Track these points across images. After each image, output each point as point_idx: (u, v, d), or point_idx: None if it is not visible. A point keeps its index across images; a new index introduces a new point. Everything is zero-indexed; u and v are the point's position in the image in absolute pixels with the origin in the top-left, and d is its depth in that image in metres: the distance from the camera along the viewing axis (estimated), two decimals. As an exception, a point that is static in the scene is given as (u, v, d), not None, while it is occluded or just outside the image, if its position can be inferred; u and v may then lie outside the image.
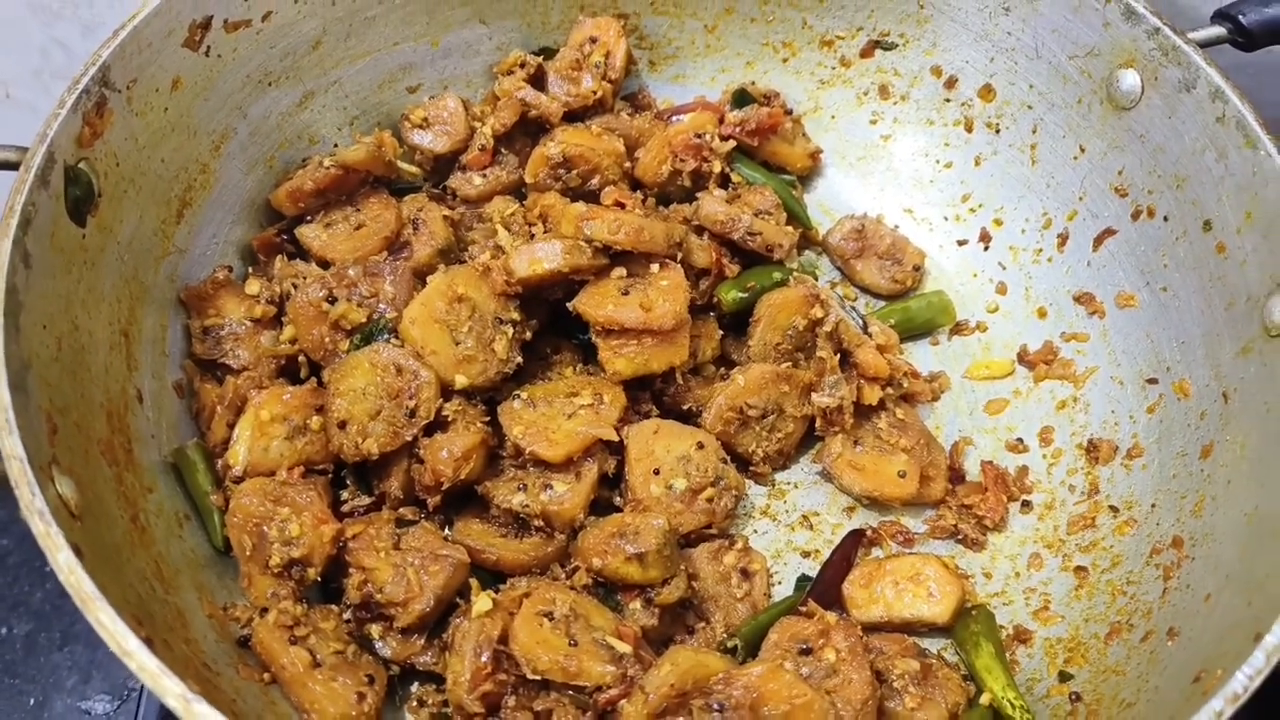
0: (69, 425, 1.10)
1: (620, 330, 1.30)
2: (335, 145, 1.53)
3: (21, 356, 1.04)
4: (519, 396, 1.30)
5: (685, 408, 1.38)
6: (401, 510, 1.28)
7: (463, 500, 1.31)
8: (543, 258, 1.28)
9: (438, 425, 1.27)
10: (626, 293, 1.30)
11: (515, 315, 1.31)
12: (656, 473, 1.28)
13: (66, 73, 1.19)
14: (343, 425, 1.25)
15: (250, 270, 1.43)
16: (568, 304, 1.32)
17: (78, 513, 1.01)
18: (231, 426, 1.27)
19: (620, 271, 1.32)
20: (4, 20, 1.61)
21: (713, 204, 1.46)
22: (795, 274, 1.46)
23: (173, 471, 1.26)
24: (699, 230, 1.47)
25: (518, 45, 1.62)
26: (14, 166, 1.13)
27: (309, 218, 1.44)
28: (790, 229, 1.51)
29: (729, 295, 1.41)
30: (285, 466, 1.25)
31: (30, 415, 1.02)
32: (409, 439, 1.25)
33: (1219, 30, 1.39)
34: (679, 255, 1.37)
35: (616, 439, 1.28)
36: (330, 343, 1.33)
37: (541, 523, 1.25)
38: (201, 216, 1.39)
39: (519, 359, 1.31)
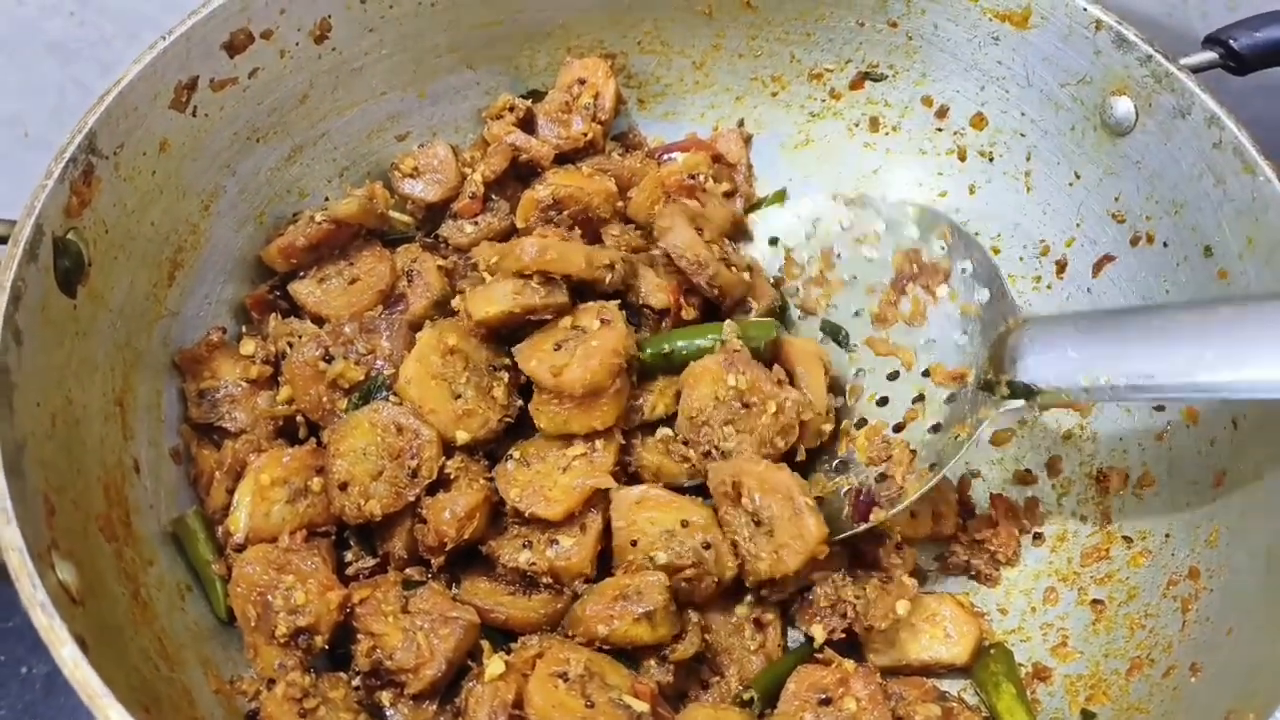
0: (66, 504, 1.07)
1: (542, 387, 1.25)
2: (326, 198, 1.51)
3: (16, 438, 1.02)
4: (512, 457, 1.27)
5: None
6: (407, 571, 1.26)
7: (468, 557, 1.28)
8: (495, 298, 1.27)
9: (440, 484, 1.25)
10: (559, 347, 1.25)
11: (507, 360, 1.29)
12: (634, 543, 1.22)
13: (84, 112, 1.19)
14: (344, 487, 1.23)
15: (244, 330, 1.41)
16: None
17: (79, 598, 0.99)
18: (231, 492, 1.25)
19: (568, 321, 1.28)
20: (22, 60, 1.62)
21: (685, 234, 1.40)
22: (725, 340, 1.32)
23: (173, 541, 1.24)
24: (668, 261, 1.41)
25: (505, 89, 1.61)
26: (1, 240, 1.11)
27: (302, 274, 1.42)
28: (766, 286, 1.47)
29: (645, 352, 1.32)
30: (288, 531, 1.23)
31: (28, 500, 0.99)
32: (411, 499, 1.23)
33: (1211, 55, 1.39)
34: (637, 294, 1.35)
35: (614, 485, 1.24)
36: (328, 402, 1.30)
37: (550, 579, 1.22)
38: (193, 277, 1.37)
39: (520, 402, 1.29)
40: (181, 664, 1.13)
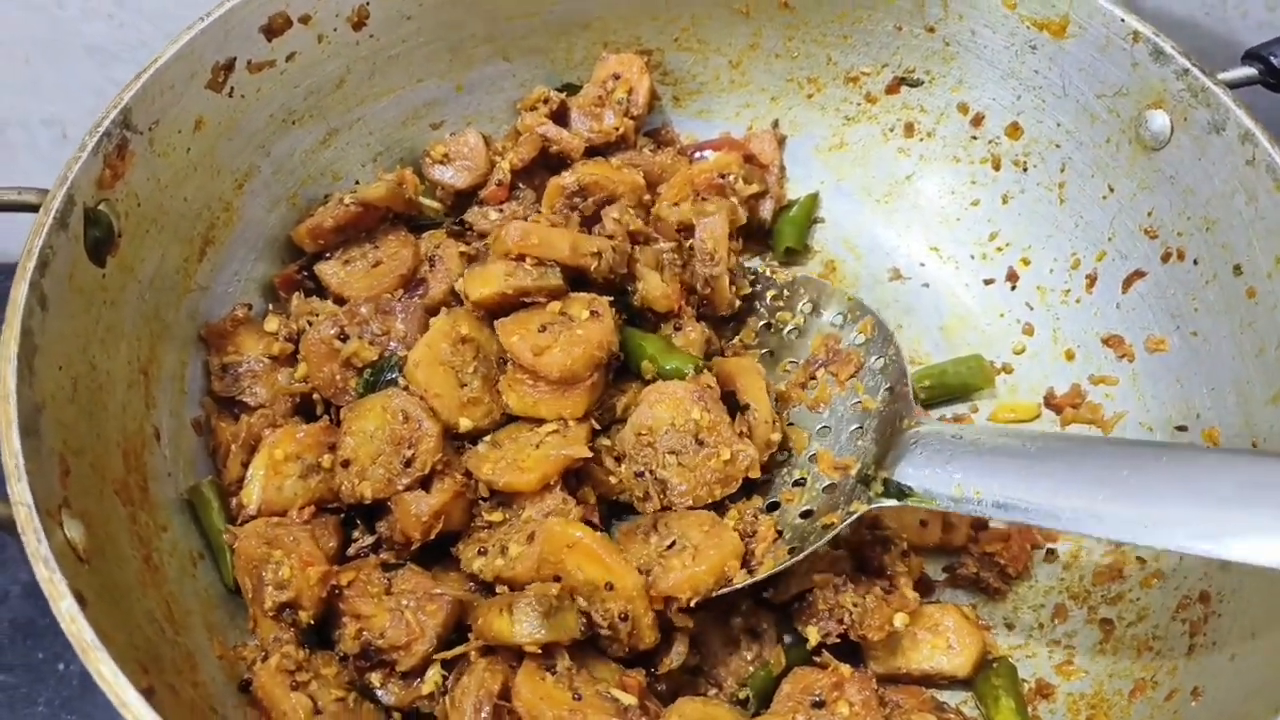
0: (83, 466, 1.10)
1: (519, 363, 1.25)
2: (357, 182, 1.54)
3: (34, 399, 1.05)
4: (484, 441, 1.27)
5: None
6: (383, 556, 1.27)
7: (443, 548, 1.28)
8: (489, 279, 1.28)
9: (429, 477, 1.25)
10: (544, 329, 1.26)
11: None
12: (556, 579, 1.17)
13: None
14: (346, 464, 1.25)
15: (270, 307, 1.44)
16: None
17: (86, 556, 1.02)
18: (246, 465, 1.28)
19: (557, 307, 1.28)
20: (62, 63, 1.65)
21: (722, 229, 1.41)
22: (699, 364, 1.33)
23: (188, 509, 1.27)
24: (676, 259, 1.41)
25: (541, 82, 1.63)
26: (35, 209, 1.14)
27: (328, 255, 1.45)
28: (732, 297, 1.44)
29: (642, 362, 1.33)
30: (298, 505, 1.25)
31: (42, 459, 1.02)
32: (401, 487, 1.23)
33: (1250, 71, 1.36)
34: (639, 295, 1.35)
35: (590, 455, 1.23)
36: (341, 380, 1.33)
37: (503, 587, 1.21)
38: (224, 254, 1.41)
39: None
40: (187, 628, 1.16)
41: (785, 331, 1.45)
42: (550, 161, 1.57)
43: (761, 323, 1.48)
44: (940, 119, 1.61)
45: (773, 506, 1.29)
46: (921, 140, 1.64)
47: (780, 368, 1.42)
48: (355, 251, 1.44)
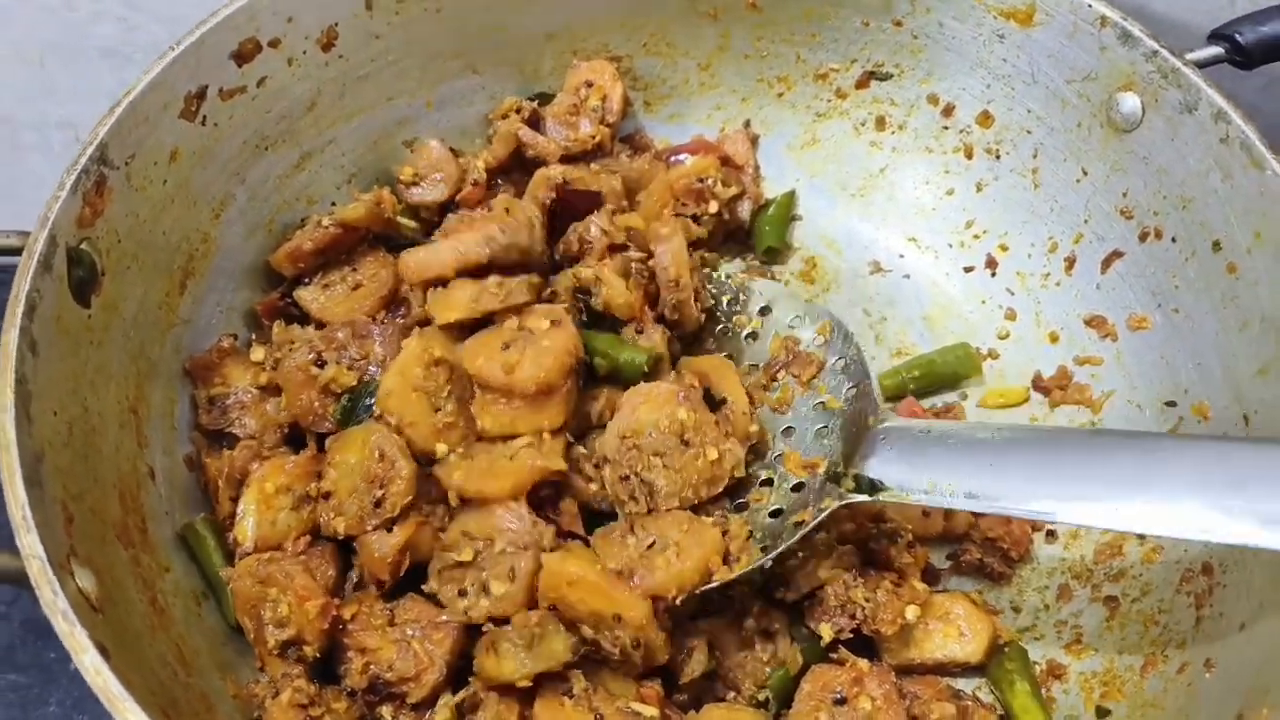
0: (84, 512, 1.08)
1: (489, 386, 1.23)
2: (333, 204, 1.52)
3: (34, 448, 1.02)
4: (455, 453, 1.24)
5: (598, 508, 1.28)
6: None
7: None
8: (455, 304, 1.28)
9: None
10: (507, 346, 1.24)
11: None
12: (551, 608, 1.17)
13: None
14: (326, 497, 1.23)
15: (254, 336, 1.42)
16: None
17: (99, 605, 1.00)
18: (235, 500, 1.25)
19: (514, 323, 1.27)
20: (74, 65, 1.63)
21: (680, 250, 1.39)
22: (652, 355, 1.32)
23: (187, 548, 1.25)
24: (642, 270, 1.39)
25: (512, 93, 1.61)
26: (17, 252, 1.12)
27: (307, 279, 1.43)
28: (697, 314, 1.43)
29: (596, 358, 1.31)
30: (293, 537, 1.23)
31: (46, 508, 1.00)
32: (369, 529, 1.21)
33: (1216, 50, 1.39)
34: (601, 299, 1.34)
35: (565, 467, 1.22)
36: (320, 407, 1.30)
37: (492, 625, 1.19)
38: (204, 285, 1.38)
39: None
40: (199, 670, 1.14)
41: (743, 336, 1.44)
42: (527, 165, 1.56)
43: (718, 327, 1.47)
44: (911, 111, 1.63)
45: (740, 507, 1.28)
46: (893, 133, 1.65)
47: (740, 372, 1.40)
48: (335, 275, 1.42)
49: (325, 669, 1.21)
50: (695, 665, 1.20)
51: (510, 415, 1.23)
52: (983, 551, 1.37)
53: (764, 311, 1.44)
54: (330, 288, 1.43)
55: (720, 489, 1.25)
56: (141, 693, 0.93)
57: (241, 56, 1.35)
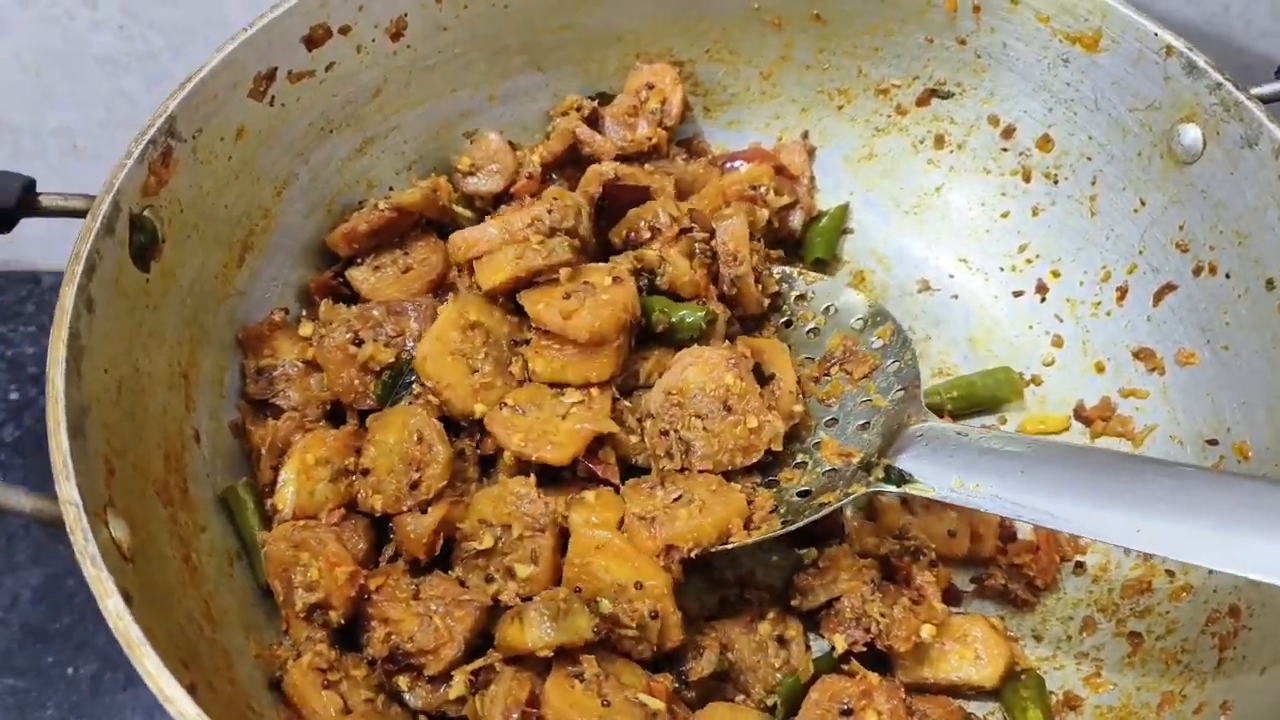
0: (126, 467, 1.13)
1: (547, 331, 1.28)
2: (391, 189, 1.56)
3: (81, 401, 1.07)
4: (506, 404, 1.28)
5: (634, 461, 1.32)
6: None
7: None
8: (500, 265, 1.30)
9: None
10: (569, 296, 1.28)
11: (529, 335, 1.32)
12: (578, 591, 1.19)
13: (131, 123, 1.23)
14: (365, 473, 1.27)
15: (305, 313, 1.46)
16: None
17: (130, 555, 1.04)
18: (276, 469, 1.30)
19: (579, 276, 1.31)
20: (73, 73, 1.66)
21: (741, 229, 1.42)
22: (711, 313, 1.37)
23: (226, 510, 1.29)
24: (706, 250, 1.43)
25: (575, 92, 1.64)
26: (82, 214, 1.17)
27: (359, 260, 1.47)
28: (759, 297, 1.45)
29: (653, 317, 1.35)
30: (329, 508, 1.27)
31: (88, 459, 1.05)
32: (404, 509, 1.25)
33: (1283, 85, 1.36)
34: (665, 277, 1.37)
35: (616, 429, 1.26)
36: (360, 385, 1.34)
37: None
38: (262, 259, 1.43)
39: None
40: (225, 627, 1.18)
41: (805, 330, 1.47)
42: (581, 162, 1.58)
43: (782, 319, 1.49)
44: (971, 131, 1.62)
45: (770, 484, 1.31)
46: (951, 152, 1.65)
47: (795, 362, 1.43)
48: (386, 257, 1.46)
49: (349, 639, 1.24)
50: (706, 664, 1.21)
51: (562, 362, 1.28)
52: (1008, 577, 1.36)
53: (829, 311, 1.46)
54: (381, 269, 1.47)
55: (754, 460, 1.28)
56: (162, 642, 0.97)
57: (312, 41, 1.40)
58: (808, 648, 1.29)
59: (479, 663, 1.18)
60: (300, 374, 1.38)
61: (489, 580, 1.24)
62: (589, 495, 1.24)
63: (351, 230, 1.46)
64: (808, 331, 1.46)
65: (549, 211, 1.34)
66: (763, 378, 1.33)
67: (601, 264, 1.35)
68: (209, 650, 1.12)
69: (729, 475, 1.29)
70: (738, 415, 1.28)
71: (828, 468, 1.30)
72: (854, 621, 1.24)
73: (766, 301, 1.46)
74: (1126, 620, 1.32)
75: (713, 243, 1.43)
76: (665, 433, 1.28)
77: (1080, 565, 1.38)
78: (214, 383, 1.35)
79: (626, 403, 1.33)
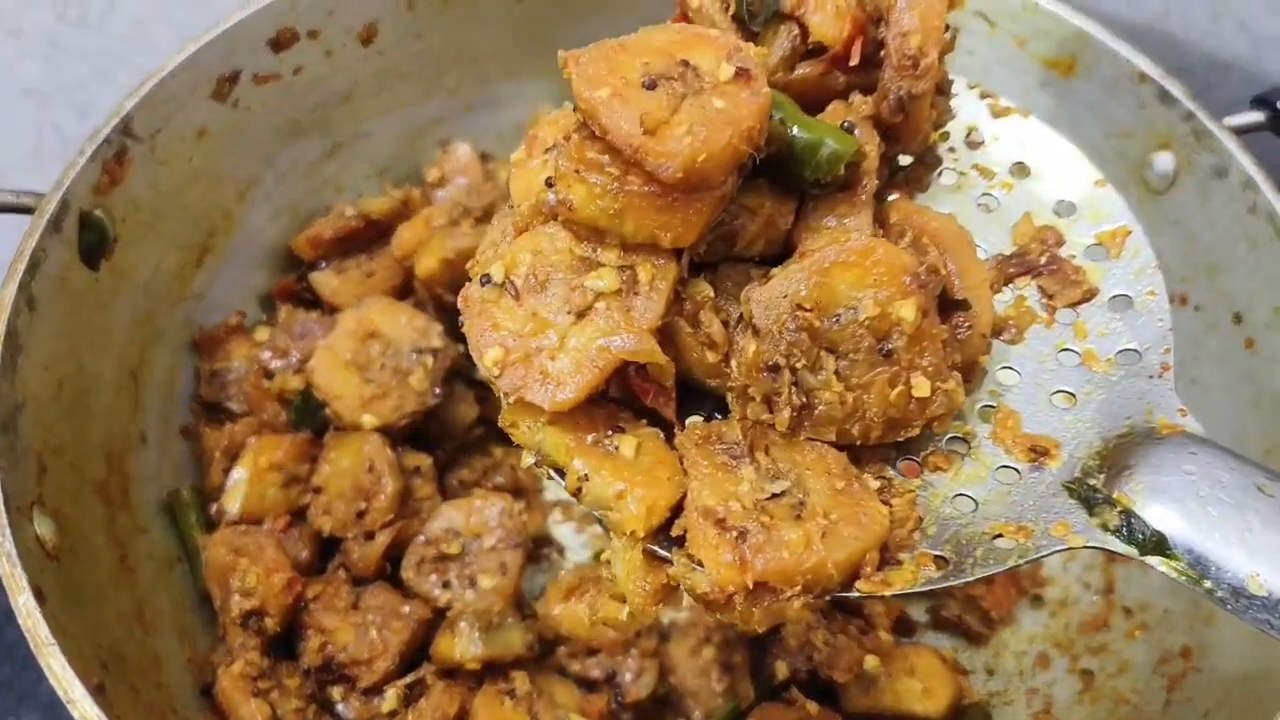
0: (62, 465, 1.12)
1: (603, 141, 0.76)
2: (360, 195, 1.55)
3: (15, 398, 1.07)
4: (489, 279, 0.80)
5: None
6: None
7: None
8: (434, 247, 1.32)
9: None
10: (654, 84, 0.75)
11: (436, 343, 1.31)
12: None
13: (61, 156, 1.21)
14: (318, 491, 1.27)
15: (265, 318, 1.45)
16: None
17: (55, 553, 1.03)
18: (228, 472, 1.29)
19: (676, 54, 0.78)
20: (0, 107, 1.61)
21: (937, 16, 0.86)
22: (859, 150, 0.82)
23: (169, 514, 1.28)
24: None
25: (551, 103, 1.63)
26: (31, 211, 1.16)
27: (324, 264, 1.46)
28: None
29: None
30: (277, 514, 1.26)
31: (17, 455, 1.04)
32: (349, 536, 1.26)
33: (1257, 116, 1.33)
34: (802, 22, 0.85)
35: (663, 362, 0.78)
36: (283, 416, 1.34)
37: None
38: (221, 262, 1.42)
39: (439, 392, 1.29)
40: (158, 630, 1.17)
41: (975, 196, 0.95)
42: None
43: (938, 171, 0.97)
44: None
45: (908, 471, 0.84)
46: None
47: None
48: (350, 261, 1.46)
49: (287, 648, 1.23)
50: (642, 686, 1.19)
51: (621, 201, 0.76)
52: (962, 608, 1.34)
53: (1019, 170, 0.97)
54: (345, 273, 1.46)
55: (902, 438, 0.82)
56: (80, 642, 0.96)
57: (279, 44, 1.39)
58: (753, 675, 1.26)
59: (412, 677, 1.17)
60: (253, 378, 1.37)
61: (445, 586, 1.23)
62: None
63: (317, 235, 1.45)
64: (980, 198, 0.95)
65: (468, 196, 1.34)
66: (948, 304, 0.83)
67: (723, 36, 0.80)
68: (137, 652, 1.11)
69: (855, 450, 0.82)
70: (900, 369, 0.79)
71: (1003, 463, 0.82)
72: (797, 649, 1.22)
73: (933, 135, 0.96)
74: (1080, 657, 1.29)
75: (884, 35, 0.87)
76: (774, 367, 0.78)
77: (1038, 598, 1.35)
78: (165, 384, 1.34)
79: (707, 287, 0.82)
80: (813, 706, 1.18)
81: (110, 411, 1.24)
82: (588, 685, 1.19)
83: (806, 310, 0.78)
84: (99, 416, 1.22)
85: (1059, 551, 0.77)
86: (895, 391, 0.79)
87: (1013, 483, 0.82)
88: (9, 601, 0.94)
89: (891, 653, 1.23)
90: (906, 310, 0.77)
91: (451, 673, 1.17)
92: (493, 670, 1.15)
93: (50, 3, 1.52)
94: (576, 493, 0.78)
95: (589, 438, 0.79)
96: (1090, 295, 0.88)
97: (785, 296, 0.78)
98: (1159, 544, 0.75)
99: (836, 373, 0.79)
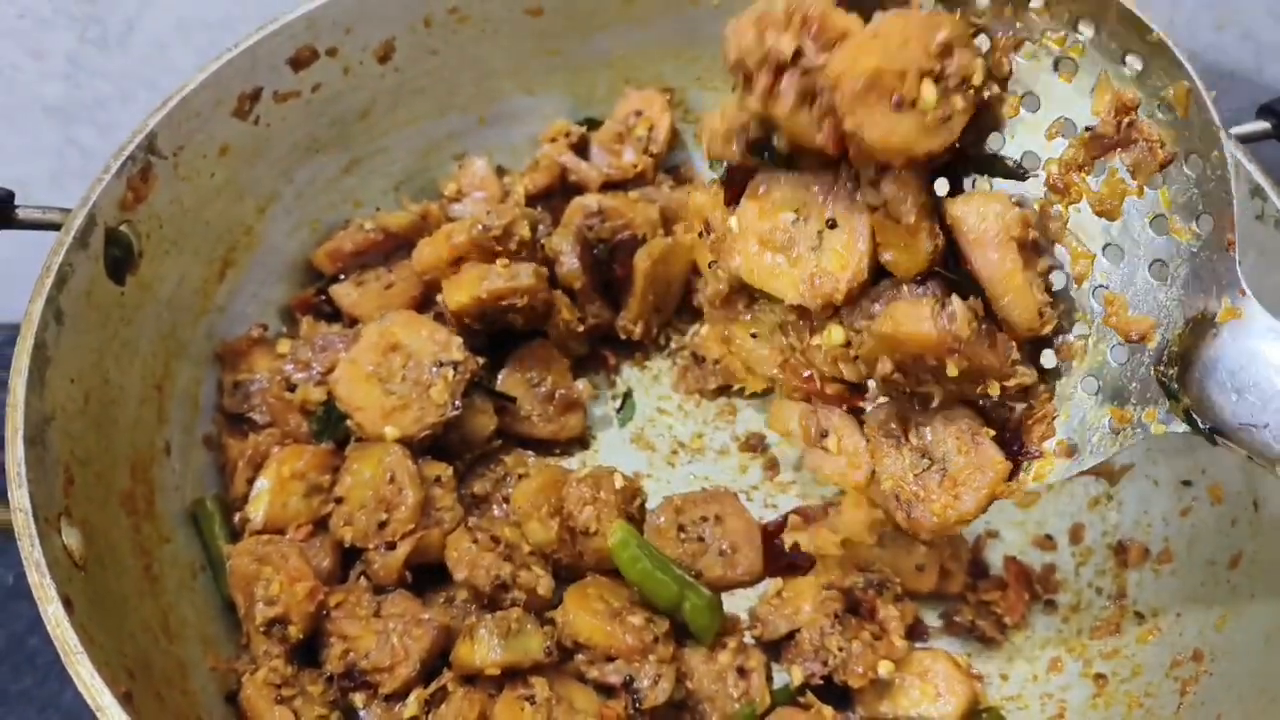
0: (88, 476, 1.14)
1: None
2: (378, 209, 1.57)
3: (44, 410, 1.09)
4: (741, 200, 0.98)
5: None
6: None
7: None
8: (464, 285, 1.32)
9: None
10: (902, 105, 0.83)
11: (457, 356, 1.32)
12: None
13: (84, 174, 1.23)
14: (339, 501, 1.28)
15: (285, 330, 1.48)
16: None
17: (82, 563, 1.05)
18: (251, 482, 1.31)
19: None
20: (21, 125, 1.64)
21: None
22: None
23: (193, 523, 1.31)
24: None
25: (564, 115, 1.65)
26: (58, 228, 1.19)
27: (343, 277, 1.48)
28: None
29: None
30: (299, 524, 1.28)
31: (46, 468, 1.06)
32: (370, 547, 1.27)
33: (1263, 125, 1.34)
34: None
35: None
36: (305, 428, 1.36)
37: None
38: (243, 275, 1.45)
39: (459, 404, 1.30)
40: (182, 639, 1.19)
41: (1051, 63, 0.92)
42: (568, 191, 1.59)
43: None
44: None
45: (1041, 372, 0.96)
46: (939, 184, 1.63)
47: (1046, 129, 0.93)
48: (369, 275, 1.48)
49: (311, 656, 1.25)
50: (660, 692, 1.21)
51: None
52: (976, 614, 1.34)
53: (1091, 32, 0.90)
54: (364, 285, 1.48)
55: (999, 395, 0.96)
56: (107, 650, 0.98)
57: (298, 62, 1.42)
58: (769, 679, 1.28)
59: (434, 685, 1.19)
60: (276, 390, 1.39)
61: (504, 588, 1.25)
62: None
63: (337, 249, 1.48)
64: (1056, 65, 0.92)
65: (487, 213, 1.36)
66: (1038, 246, 0.92)
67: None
68: (162, 661, 1.13)
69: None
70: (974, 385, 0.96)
71: (1116, 343, 0.90)
72: (812, 654, 1.23)
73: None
74: (1094, 661, 1.30)
75: None
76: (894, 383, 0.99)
77: (1051, 603, 1.36)
78: (189, 396, 1.37)
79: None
80: (828, 711, 1.19)
81: (135, 423, 1.26)
82: (606, 691, 1.20)
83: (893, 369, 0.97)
84: (124, 428, 1.24)
85: (1139, 439, 0.89)
86: (978, 389, 0.96)
87: (1123, 362, 0.91)
88: (34, 611, 0.96)
89: (905, 658, 1.24)
90: (950, 370, 0.93)
91: (472, 679, 1.18)
92: (512, 676, 1.17)
93: (71, 24, 1.55)
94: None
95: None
96: (1170, 159, 0.88)
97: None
98: (1214, 436, 0.85)
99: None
